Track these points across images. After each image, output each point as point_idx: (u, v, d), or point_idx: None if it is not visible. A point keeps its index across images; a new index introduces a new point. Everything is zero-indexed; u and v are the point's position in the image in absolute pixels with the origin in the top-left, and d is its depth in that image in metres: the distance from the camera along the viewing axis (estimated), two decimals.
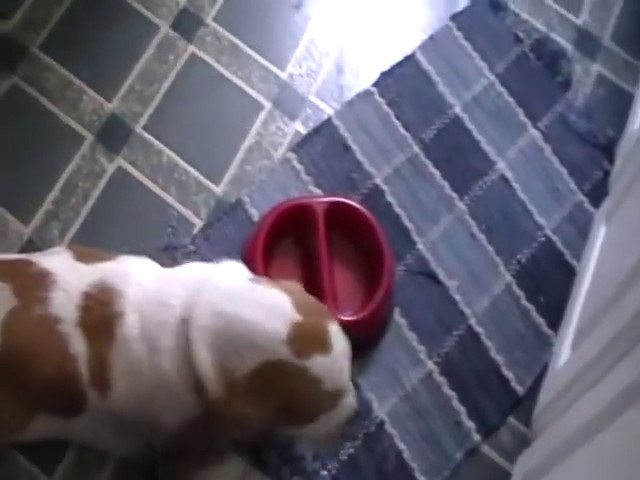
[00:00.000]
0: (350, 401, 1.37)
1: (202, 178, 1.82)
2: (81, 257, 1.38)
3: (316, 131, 1.89)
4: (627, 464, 1.01)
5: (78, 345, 1.29)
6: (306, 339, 1.26)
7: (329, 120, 1.91)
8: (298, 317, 1.27)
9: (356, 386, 1.47)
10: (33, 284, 1.32)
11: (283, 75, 1.96)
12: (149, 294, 1.32)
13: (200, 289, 1.30)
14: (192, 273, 1.37)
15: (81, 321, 1.30)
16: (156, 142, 1.84)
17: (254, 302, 1.29)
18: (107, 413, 1.34)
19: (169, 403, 1.30)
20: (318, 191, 1.82)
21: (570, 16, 2.16)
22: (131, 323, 1.30)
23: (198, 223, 1.78)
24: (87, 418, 1.35)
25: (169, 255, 1.73)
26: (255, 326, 1.25)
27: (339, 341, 1.30)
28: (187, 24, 1.97)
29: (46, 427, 1.39)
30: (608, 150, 1.97)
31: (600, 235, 1.73)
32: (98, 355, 1.30)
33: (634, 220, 1.55)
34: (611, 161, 1.95)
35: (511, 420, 1.70)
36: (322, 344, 1.27)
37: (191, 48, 1.94)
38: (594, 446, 1.21)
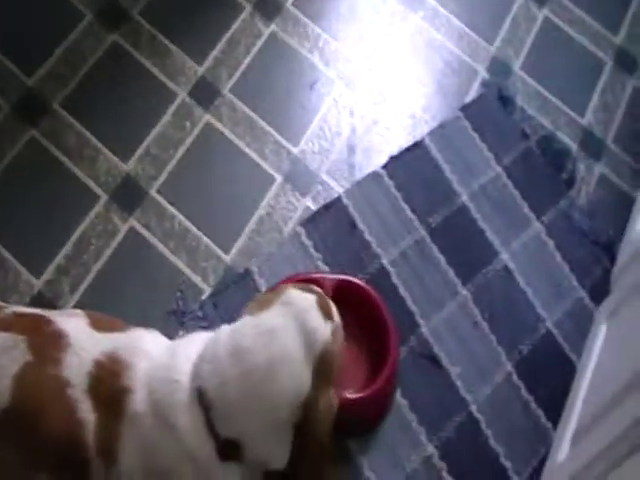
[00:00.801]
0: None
1: (213, 245, 1.84)
2: (96, 324, 1.37)
3: (326, 208, 1.92)
4: None
5: (86, 412, 1.27)
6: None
7: (339, 198, 1.94)
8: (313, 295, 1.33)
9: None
10: (49, 343, 1.31)
11: (296, 151, 1.99)
12: (157, 370, 1.30)
13: (202, 357, 1.30)
14: (195, 344, 1.35)
15: (91, 389, 1.28)
16: (169, 207, 1.86)
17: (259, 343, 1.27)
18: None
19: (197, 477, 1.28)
20: (325, 267, 1.84)
21: (575, 116, 2.22)
22: (140, 399, 1.28)
23: (206, 289, 1.79)
24: None
25: (177, 319, 1.74)
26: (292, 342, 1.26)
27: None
28: (204, 93, 2.01)
29: None
30: (608, 250, 2.01)
31: (601, 333, 1.75)
32: (106, 426, 1.27)
33: (637, 323, 1.57)
34: (612, 260, 1.98)
35: None
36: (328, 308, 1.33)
37: (207, 117, 1.98)
38: None
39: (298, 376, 1.26)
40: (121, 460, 1.28)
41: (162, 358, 1.32)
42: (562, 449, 1.60)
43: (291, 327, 1.28)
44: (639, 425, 1.25)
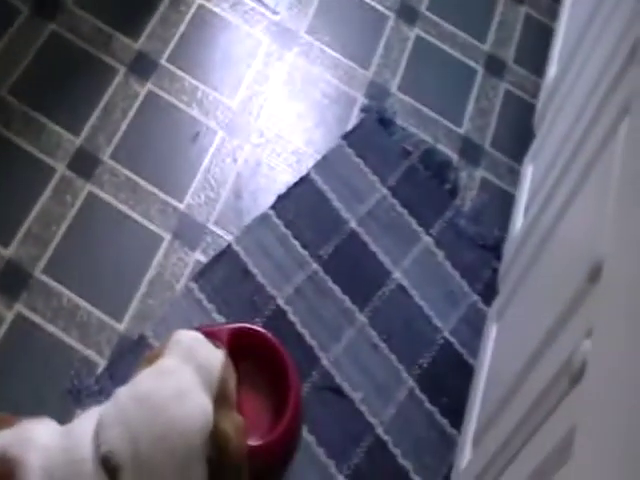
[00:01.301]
0: None
1: (104, 317, 1.83)
2: None
3: (216, 259, 1.94)
4: None
5: None
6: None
7: (229, 247, 1.96)
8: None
9: None
10: None
11: (182, 206, 2.01)
12: (54, 458, 1.28)
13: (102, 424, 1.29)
14: (89, 418, 1.34)
15: None
16: (56, 285, 1.85)
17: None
18: None
19: None
20: (221, 318, 1.86)
21: (453, 127, 2.28)
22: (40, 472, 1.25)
23: (101, 363, 1.78)
24: None
25: (74, 398, 1.73)
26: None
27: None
28: (84, 163, 2.01)
29: None
30: (496, 250, 2.07)
31: (492, 334, 1.80)
32: None
33: (521, 319, 1.62)
34: (500, 260, 2.03)
35: None
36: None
37: (88, 187, 1.98)
38: None
39: (202, 404, 1.29)
40: None
41: (57, 444, 1.30)
42: (465, 453, 1.63)
43: (184, 362, 1.32)
44: (531, 417, 1.28)
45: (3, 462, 1.27)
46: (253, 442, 1.58)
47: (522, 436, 1.28)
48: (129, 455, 1.24)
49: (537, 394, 1.25)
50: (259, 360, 1.73)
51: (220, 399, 1.32)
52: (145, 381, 1.31)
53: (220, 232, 1.99)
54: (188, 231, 1.98)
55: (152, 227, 1.97)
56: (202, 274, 1.91)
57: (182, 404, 1.27)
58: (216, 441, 1.29)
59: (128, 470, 1.24)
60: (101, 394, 1.72)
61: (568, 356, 1.12)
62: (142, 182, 2.02)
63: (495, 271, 2.03)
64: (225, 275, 1.92)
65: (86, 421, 1.34)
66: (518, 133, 2.31)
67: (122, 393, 1.31)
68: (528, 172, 2.09)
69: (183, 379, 1.30)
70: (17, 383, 1.73)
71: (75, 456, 1.27)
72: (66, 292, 1.85)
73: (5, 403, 1.67)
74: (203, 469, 1.29)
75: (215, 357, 1.36)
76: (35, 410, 1.59)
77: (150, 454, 1.24)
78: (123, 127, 2.09)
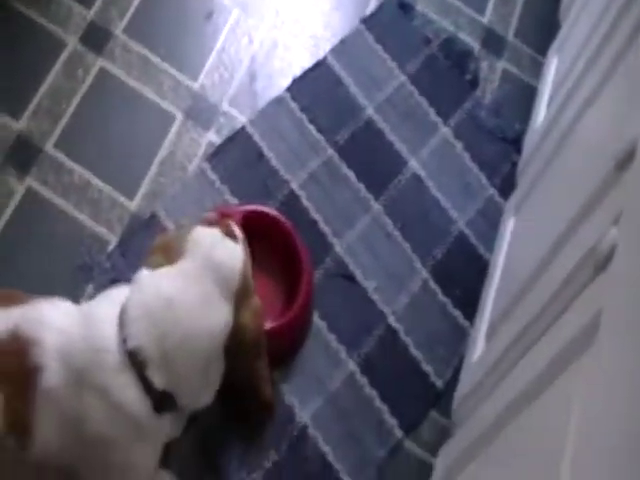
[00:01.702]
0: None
1: (115, 194, 1.81)
2: None
3: (230, 140, 1.90)
4: (539, 449, 1.04)
5: None
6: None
7: (243, 128, 1.91)
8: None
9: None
10: None
11: (195, 85, 1.96)
12: (75, 343, 1.26)
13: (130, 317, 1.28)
14: (112, 305, 1.33)
15: None
16: (67, 160, 1.82)
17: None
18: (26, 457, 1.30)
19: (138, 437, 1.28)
20: (234, 200, 1.83)
21: (476, 15, 2.21)
22: (53, 374, 1.25)
23: (113, 240, 1.76)
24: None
25: (85, 274, 1.71)
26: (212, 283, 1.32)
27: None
28: (96, 37, 1.95)
29: None
30: (516, 144, 2.03)
31: (509, 227, 1.78)
32: (15, 406, 1.25)
33: (540, 211, 1.59)
34: (520, 154, 1.99)
35: (432, 414, 1.74)
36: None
37: (100, 62, 1.93)
38: (510, 433, 1.24)
39: (223, 308, 1.30)
40: (36, 434, 1.27)
41: (76, 329, 1.28)
42: (478, 346, 1.63)
43: (205, 267, 1.31)
44: (544, 314, 1.27)
45: (15, 339, 1.26)
46: (266, 325, 1.58)
47: (540, 326, 1.28)
48: (156, 352, 1.25)
49: (558, 284, 1.24)
50: (272, 243, 1.72)
51: (240, 295, 1.34)
52: (170, 283, 1.30)
53: (234, 113, 1.95)
54: (201, 111, 1.94)
55: (164, 105, 1.92)
56: (215, 155, 1.88)
57: (205, 310, 1.29)
58: (235, 334, 1.32)
59: (154, 366, 1.25)
60: (113, 271, 1.72)
61: (593, 244, 1.10)
62: (155, 59, 1.97)
63: (514, 165, 1.99)
64: (238, 157, 1.88)
65: (104, 306, 1.33)
66: (543, 24, 2.23)
67: (145, 286, 1.30)
68: (552, 64, 2.03)
69: (206, 286, 1.30)
70: (27, 258, 1.71)
71: (96, 345, 1.26)
72: (77, 168, 1.82)
73: (14, 277, 1.66)
74: (221, 363, 1.34)
75: (235, 256, 1.36)
76: (45, 285, 1.62)
77: (175, 353, 1.26)
78: (136, 2, 2.02)
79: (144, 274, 1.32)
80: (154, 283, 1.30)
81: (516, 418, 1.22)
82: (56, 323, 1.29)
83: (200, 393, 1.33)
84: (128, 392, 1.25)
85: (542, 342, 1.23)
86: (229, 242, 1.37)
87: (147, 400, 1.26)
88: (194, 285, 1.29)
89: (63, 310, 1.33)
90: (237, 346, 1.34)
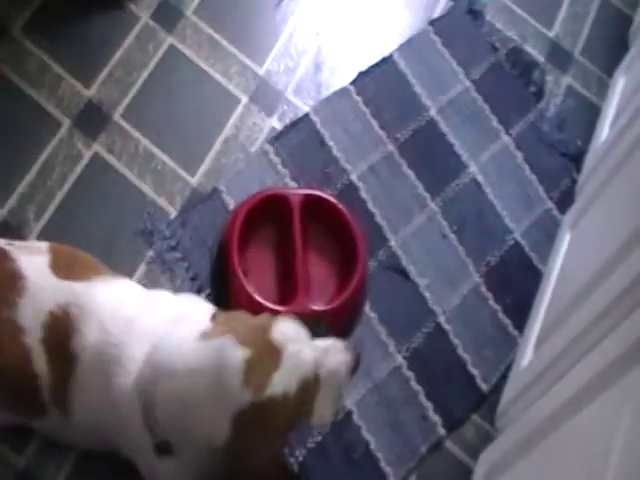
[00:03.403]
0: (338, 359, 1.27)
1: (178, 168, 1.82)
2: (59, 265, 1.33)
3: (293, 125, 1.91)
4: (580, 460, 1.04)
5: (40, 364, 1.27)
6: (260, 366, 1.18)
7: (307, 115, 1.92)
8: (246, 353, 1.18)
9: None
10: (6, 282, 1.29)
11: (261, 71, 1.97)
12: (108, 347, 1.26)
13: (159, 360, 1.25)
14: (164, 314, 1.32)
15: (45, 341, 1.27)
16: (133, 131, 1.84)
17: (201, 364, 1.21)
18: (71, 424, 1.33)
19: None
20: (294, 184, 1.84)
21: (543, 29, 2.20)
22: (88, 365, 1.26)
23: (173, 212, 1.78)
24: (50, 421, 1.34)
25: (145, 240, 1.74)
26: (211, 389, 1.19)
27: (287, 341, 1.21)
28: (167, 15, 1.97)
29: (8, 420, 1.39)
30: (577, 160, 2.02)
31: (565, 241, 1.77)
32: (60, 380, 1.27)
33: (597, 227, 1.59)
34: (579, 171, 1.98)
35: (475, 418, 1.74)
36: (273, 360, 1.18)
37: (170, 39, 1.95)
38: (551, 442, 1.24)
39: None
40: (75, 410, 1.29)
41: (115, 330, 1.27)
42: (527, 354, 1.63)
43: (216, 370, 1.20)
44: (596, 326, 1.27)
45: (66, 318, 1.27)
46: (317, 307, 1.60)
47: (589, 340, 1.28)
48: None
49: (607, 302, 1.24)
50: (329, 229, 1.73)
51: (251, 424, 1.20)
52: (197, 356, 1.22)
53: (297, 102, 1.96)
54: (265, 96, 1.94)
55: (230, 87, 1.93)
56: (278, 138, 1.88)
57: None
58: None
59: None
60: (172, 239, 1.73)
61: None
62: (223, 41, 1.98)
63: (574, 182, 1.98)
64: (301, 142, 1.89)
65: (158, 315, 1.32)
66: (611, 44, 2.22)
67: (185, 350, 1.23)
68: (618, 84, 2.02)
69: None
70: (91, 220, 1.74)
71: (121, 358, 1.26)
72: (143, 139, 1.84)
73: (78, 236, 1.67)
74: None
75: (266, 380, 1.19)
76: (107, 246, 1.66)
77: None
78: None
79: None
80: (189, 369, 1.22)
81: (560, 427, 1.22)
82: (103, 314, 1.28)
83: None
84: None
85: (594, 354, 1.22)
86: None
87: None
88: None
89: (117, 299, 1.32)
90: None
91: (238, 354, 1.17)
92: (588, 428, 1.11)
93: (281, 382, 1.18)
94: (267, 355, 1.18)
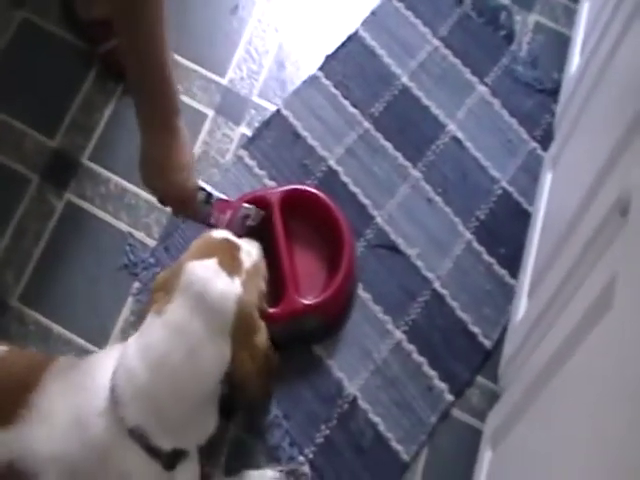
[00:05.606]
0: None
1: (152, 198, 1.80)
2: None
3: (266, 125, 1.90)
4: (581, 404, 1.00)
5: None
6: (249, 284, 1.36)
7: (278, 111, 1.91)
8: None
9: None
10: None
11: (224, 81, 1.96)
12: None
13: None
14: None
15: None
16: (102, 170, 1.86)
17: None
18: None
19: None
20: (272, 184, 1.83)
21: None
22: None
23: (151, 243, 1.80)
24: None
25: (129, 272, 1.76)
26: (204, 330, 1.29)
27: None
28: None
29: None
30: (556, 93, 1.95)
31: (548, 179, 1.72)
32: None
33: (575, 161, 1.53)
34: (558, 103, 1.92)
35: (481, 379, 1.70)
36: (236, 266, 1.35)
37: None
38: (553, 390, 1.19)
39: (214, 353, 1.28)
40: None
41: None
42: (521, 304, 1.59)
43: (194, 312, 1.28)
44: (580, 266, 1.22)
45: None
46: (308, 301, 1.59)
47: (572, 286, 1.22)
48: (154, 422, 1.25)
49: (586, 239, 1.19)
50: (312, 220, 1.71)
51: (238, 334, 1.30)
52: (155, 341, 1.27)
53: (264, 104, 1.94)
54: (232, 106, 1.94)
55: (195, 104, 1.93)
56: (252, 141, 1.88)
57: (195, 362, 1.26)
58: (235, 371, 1.31)
59: (157, 434, 1.25)
60: (157, 266, 1.75)
61: (619, 193, 1.04)
62: (182, 60, 1.97)
63: (554, 116, 1.92)
64: (275, 140, 1.88)
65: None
66: None
67: (131, 354, 1.28)
68: (584, 9, 1.95)
69: (194, 335, 1.27)
70: (71, 269, 1.76)
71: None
72: (113, 177, 1.85)
73: (60, 287, 1.71)
74: (217, 393, 1.34)
75: (228, 296, 1.30)
76: (90, 291, 1.66)
77: (172, 411, 1.26)
78: None
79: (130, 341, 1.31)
80: (140, 348, 1.28)
81: (557, 375, 1.18)
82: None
83: (203, 429, 1.34)
84: (132, 462, 1.26)
85: (572, 304, 1.17)
86: (224, 278, 1.31)
87: (155, 464, 1.27)
88: (181, 335, 1.26)
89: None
90: (238, 379, 1.33)
91: (208, 263, 1.31)
92: (582, 372, 1.07)
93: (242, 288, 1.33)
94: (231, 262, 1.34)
